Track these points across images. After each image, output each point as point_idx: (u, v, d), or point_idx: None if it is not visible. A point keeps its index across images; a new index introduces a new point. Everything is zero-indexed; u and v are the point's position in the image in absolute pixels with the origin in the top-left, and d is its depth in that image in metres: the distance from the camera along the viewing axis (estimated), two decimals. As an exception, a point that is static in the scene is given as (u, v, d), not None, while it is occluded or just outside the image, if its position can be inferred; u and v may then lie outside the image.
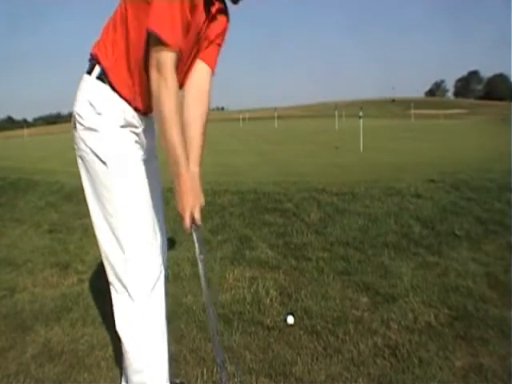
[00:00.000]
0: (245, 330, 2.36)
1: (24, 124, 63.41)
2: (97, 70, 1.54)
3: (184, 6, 1.40)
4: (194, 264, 3.28)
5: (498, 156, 7.88)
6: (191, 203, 1.48)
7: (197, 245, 1.55)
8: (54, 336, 2.37)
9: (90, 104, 1.52)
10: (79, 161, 1.59)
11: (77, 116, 1.55)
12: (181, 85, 1.57)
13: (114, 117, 1.53)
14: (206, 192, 5.28)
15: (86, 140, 1.54)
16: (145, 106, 1.56)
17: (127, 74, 1.52)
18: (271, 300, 2.70)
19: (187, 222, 1.49)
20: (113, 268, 1.58)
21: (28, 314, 2.63)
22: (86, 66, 1.58)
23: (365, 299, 2.68)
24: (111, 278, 1.60)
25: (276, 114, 32.32)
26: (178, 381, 1.87)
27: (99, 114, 1.51)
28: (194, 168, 1.58)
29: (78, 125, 1.55)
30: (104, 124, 1.52)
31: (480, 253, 3.32)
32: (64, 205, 5.33)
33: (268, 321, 2.45)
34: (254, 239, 3.77)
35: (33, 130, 57.38)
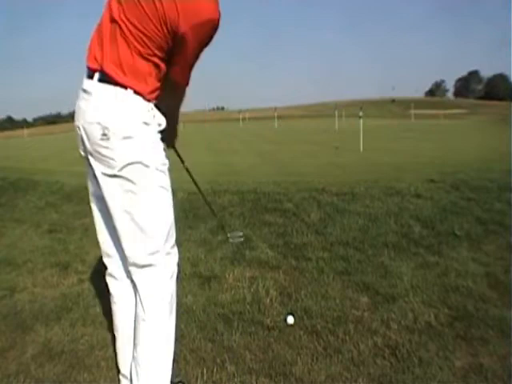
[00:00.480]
0: (245, 330, 2.36)
1: (24, 124, 63.50)
2: (97, 73, 1.59)
3: None
4: (194, 264, 3.30)
5: (498, 156, 7.90)
6: None
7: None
8: (54, 336, 2.37)
9: (124, 113, 1.57)
10: (105, 169, 1.61)
11: (110, 126, 1.55)
12: None
13: (142, 119, 1.60)
14: (205, 192, 5.28)
15: (123, 148, 1.57)
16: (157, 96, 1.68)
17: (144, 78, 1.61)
18: (271, 300, 2.69)
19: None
20: (147, 248, 1.66)
21: (28, 314, 2.63)
22: (97, 74, 1.59)
23: (365, 299, 2.68)
24: (142, 259, 1.67)
25: (276, 114, 32.30)
26: (177, 380, 1.88)
27: (134, 121, 1.58)
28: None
29: (111, 134, 1.55)
30: (142, 130, 1.59)
31: (480, 253, 3.32)
32: (64, 205, 5.33)
33: (268, 321, 2.45)
34: (254, 239, 3.77)
35: (33, 129, 57.40)
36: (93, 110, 1.59)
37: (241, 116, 41.65)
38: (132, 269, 1.71)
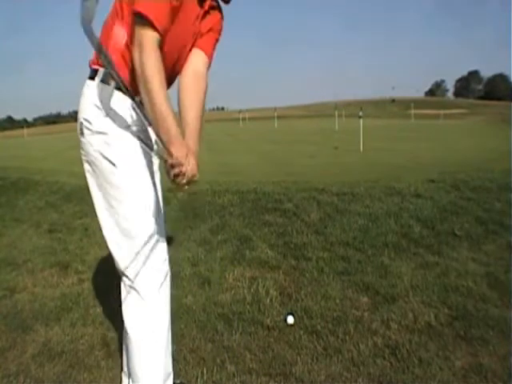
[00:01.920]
0: (245, 330, 2.36)
1: (24, 124, 63.52)
2: (100, 73, 1.55)
3: None
4: (194, 264, 3.30)
5: (497, 156, 7.89)
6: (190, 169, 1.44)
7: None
8: (54, 336, 2.37)
9: (97, 107, 1.53)
10: (86, 166, 1.62)
11: (84, 121, 1.56)
12: (177, 74, 1.66)
13: (122, 117, 1.54)
14: (205, 192, 5.27)
15: (94, 144, 1.55)
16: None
17: (130, 69, 1.51)
18: (271, 300, 2.69)
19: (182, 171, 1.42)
20: (123, 265, 1.59)
21: (28, 314, 2.63)
22: (87, 72, 1.60)
23: (365, 299, 2.68)
24: (121, 274, 1.62)
25: (276, 114, 32.26)
26: (178, 381, 1.88)
27: (106, 116, 1.52)
28: (193, 146, 1.56)
29: (85, 130, 1.56)
30: (112, 126, 1.52)
31: (480, 253, 3.32)
32: (64, 205, 5.33)
33: (268, 321, 2.45)
34: (254, 239, 3.77)
35: (33, 129, 57.40)
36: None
37: (241, 116, 41.57)
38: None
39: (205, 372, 2.00)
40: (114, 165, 1.54)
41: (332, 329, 2.34)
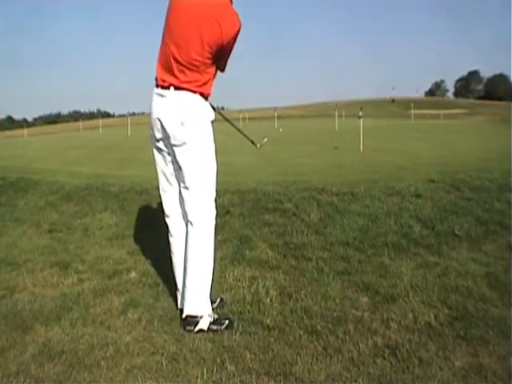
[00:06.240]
0: (245, 330, 2.36)
1: (24, 124, 63.49)
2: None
3: None
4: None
5: (497, 156, 7.88)
6: None
7: None
8: (54, 336, 2.37)
9: (194, 109, 2.38)
10: (179, 146, 2.39)
11: (183, 117, 2.34)
12: None
13: (209, 116, 2.44)
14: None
15: (190, 132, 2.36)
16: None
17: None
18: (271, 300, 2.70)
19: None
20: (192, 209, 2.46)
21: (28, 314, 2.63)
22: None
23: (365, 299, 2.68)
24: (192, 217, 2.46)
25: (276, 114, 32.23)
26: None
27: (200, 115, 2.40)
28: None
29: (185, 123, 2.34)
30: (204, 122, 2.43)
31: (480, 253, 3.33)
32: (64, 205, 5.32)
33: (268, 321, 2.45)
34: (253, 239, 3.77)
35: (33, 129, 57.32)
36: (172, 107, 2.37)
37: (241, 116, 41.42)
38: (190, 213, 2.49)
39: (205, 372, 2.00)
40: (202, 145, 2.41)
41: (332, 329, 2.34)
